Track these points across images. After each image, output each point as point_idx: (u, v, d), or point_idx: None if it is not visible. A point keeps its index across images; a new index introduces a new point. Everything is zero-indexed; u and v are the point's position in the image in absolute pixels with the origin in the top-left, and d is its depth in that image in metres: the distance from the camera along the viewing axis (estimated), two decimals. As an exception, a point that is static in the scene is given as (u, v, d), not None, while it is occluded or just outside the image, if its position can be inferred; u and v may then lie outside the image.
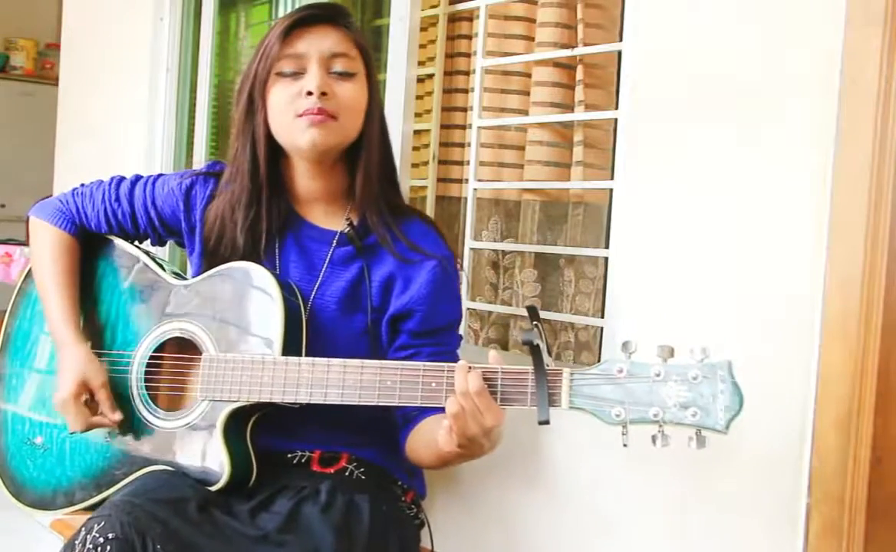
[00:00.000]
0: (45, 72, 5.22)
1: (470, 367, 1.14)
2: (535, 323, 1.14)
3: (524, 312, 1.93)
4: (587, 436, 1.60)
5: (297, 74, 1.36)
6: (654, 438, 1.08)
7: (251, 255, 1.40)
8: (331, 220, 1.44)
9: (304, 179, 1.43)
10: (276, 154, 1.42)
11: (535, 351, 1.12)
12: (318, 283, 1.41)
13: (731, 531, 1.43)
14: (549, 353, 1.14)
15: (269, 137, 1.39)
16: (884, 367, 1.29)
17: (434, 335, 1.39)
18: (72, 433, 1.42)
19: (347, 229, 1.40)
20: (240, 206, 1.41)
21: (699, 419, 1.06)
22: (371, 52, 1.42)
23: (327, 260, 1.42)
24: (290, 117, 1.35)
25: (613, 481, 1.58)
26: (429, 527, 1.52)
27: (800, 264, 1.35)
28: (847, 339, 1.29)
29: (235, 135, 1.43)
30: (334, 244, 1.42)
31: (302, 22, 1.37)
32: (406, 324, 1.39)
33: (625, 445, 1.08)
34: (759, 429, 1.39)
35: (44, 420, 1.52)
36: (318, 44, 1.36)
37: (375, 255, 1.41)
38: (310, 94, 1.33)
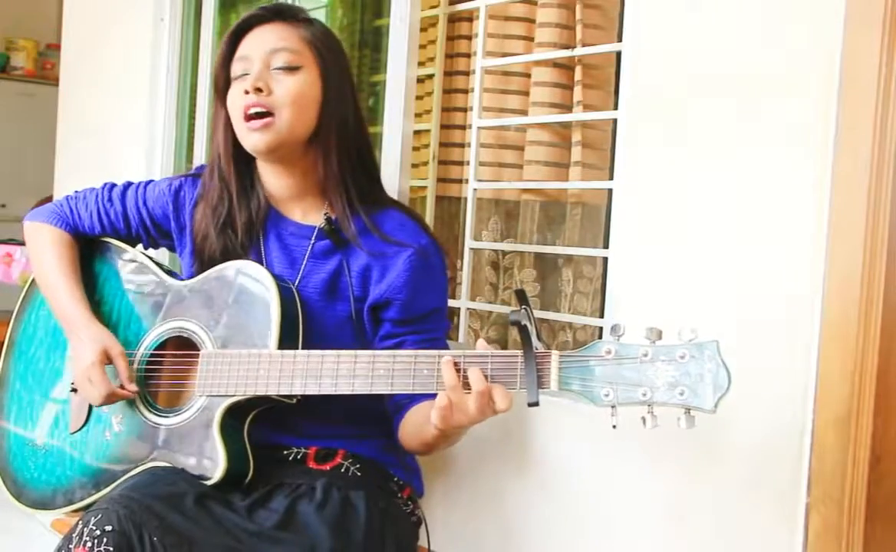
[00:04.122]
0: (45, 72, 5.21)
1: (456, 362, 1.15)
2: (523, 306, 1.14)
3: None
4: (584, 433, 1.60)
5: (245, 76, 1.39)
6: (643, 419, 1.09)
7: (232, 251, 1.43)
8: (309, 215, 1.46)
9: (271, 178, 1.45)
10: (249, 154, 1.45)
11: (523, 331, 1.12)
12: (299, 276, 1.43)
13: (730, 530, 1.43)
14: (539, 337, 1.15)
15: (235, 138, 1.43)
16: (883, 367, 1.29)
17: (417, 322, 1.40)
18: (73, 430, 1.43)
19: (324, 224, 1.42)
20: (212, 205, 1.45)
21: (687, 398, 1.07)
22: (327, 43, 1.42)
23: (307, 254, 1.44)
24: (239, 120, 1.39)
25: (612, 481, 1.58)
26: (425, 523, 1.52)
27: (799, 264, 1.35)
28: (846, 339, 1.29)
29: (211, 137, 1.48)
30: (313, 239, 1.44)
31: (247, 25, 1.41)
32: (387, 313, 1.40)
33: (614, 427, 1.09)
34: (759, 428, 1.39)
35: (46, 423, 1.53)
36: (260, 43, 1.39)
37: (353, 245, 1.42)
38: (247, 92, 1.36)
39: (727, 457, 1.43)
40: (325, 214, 1.43)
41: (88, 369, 1.38)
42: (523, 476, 1.71)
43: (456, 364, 1.15)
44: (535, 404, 1.10)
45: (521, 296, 1.18)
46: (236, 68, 1.40)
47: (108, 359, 1.39)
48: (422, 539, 1.52)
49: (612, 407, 1.10)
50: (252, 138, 1.37)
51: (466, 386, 1.14)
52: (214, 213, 1.44)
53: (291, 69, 1.38)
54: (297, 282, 1.42)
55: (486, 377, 1.13)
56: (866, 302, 1.29)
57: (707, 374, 1.06)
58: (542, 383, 1.12)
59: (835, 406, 1.30)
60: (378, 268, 1.40)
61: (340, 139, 1.42)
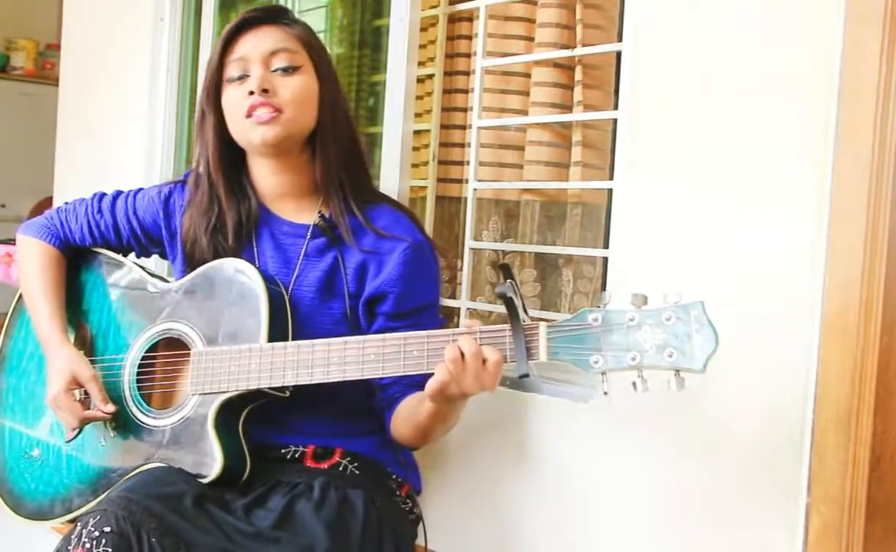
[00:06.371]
0: (45, 72, 5.22)
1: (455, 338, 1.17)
2: (508, 280, 1.15)
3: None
4: (582, 427, 1.60)
5: (244, 77, 1.40)
6: (634, 384, 1.10)
7: (223, 254, 1.44)
8: (303, 214, 1.47)
9: (268, 176, 1.46)
10: (241, 156, 1.46)
11: (509, 304, 1.13)
12: (294, 276, 1.44)
13: (730, 530, 1.43)
14: (525, 309, 1.15)
15: (227, 142, 1.44)
16: (883, 367, 1.29)
17: (409, 316, 1.41)
18: (68, 438, 1.43)
19: (319, 221, 1.43)
20: (202, 210, 1.46)
21: (676, 360, 1.08)
22: (318, 43, 1.46)
23: (302, 253, 1.45)
24: (241, 119, 1.40)
25: (610, 478, 1.57)
26: (422, 521, 1.52)
27: (799, 264, 1.35)
28: (846, 339, 1.29)
29: (194, 142, 1.49)
30: (308, 237, 1.44)
31: (241, 27, 1.42)
32: (381, 306, 1.41)
33: (605, 393, 1.10)
34: (759, 427, 1.39)
35: (40, 433, 1.53)
36: (258, 44, 1.41)
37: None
38: (252, 93, 1.37)
39: (727, 456, 1.43)
40: (319, 212, 1.44)
41: (56, 398, 1.40)
42: (521, 471, 1.71)
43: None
44: (526, 375, 1.12)
45: (506, 271, 1.19)
46: (232, 70, 1.41)
47: (77, 384, 1.41)
48: (420, 536, 1.52)
49: (602, 373, 1.11)
50: (260, 131, 1.38)
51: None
52: (203, 218, 1.46)
53: (292, 69, 1.40)
54: (292, 281, 1.43)
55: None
56: (866, 302, 1.29)
57: (695, 335, 1.07)
58: (531, 354, 1.14)
59: (835, 405, 1.30)
60: (374, 263, 1.41)
61: (337, 136, 1.44)
